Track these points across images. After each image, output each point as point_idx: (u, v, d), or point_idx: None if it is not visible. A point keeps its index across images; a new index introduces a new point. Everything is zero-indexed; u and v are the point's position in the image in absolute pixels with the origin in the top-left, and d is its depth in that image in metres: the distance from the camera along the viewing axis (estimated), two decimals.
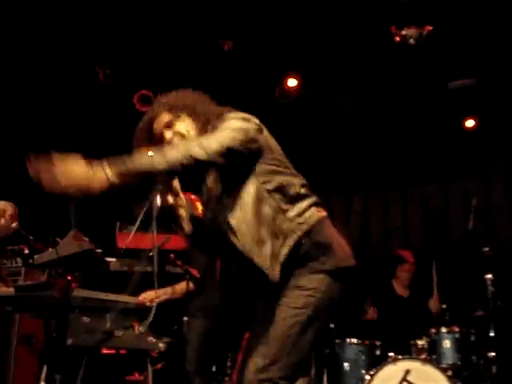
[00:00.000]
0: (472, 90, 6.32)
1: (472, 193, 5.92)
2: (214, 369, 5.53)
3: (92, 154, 7.62)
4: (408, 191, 6.95)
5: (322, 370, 5.02)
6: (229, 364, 5.62)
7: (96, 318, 4.18)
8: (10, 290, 4.26)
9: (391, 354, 4.82)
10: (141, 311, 4.35)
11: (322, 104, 6.74)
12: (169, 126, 2.72)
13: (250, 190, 2.58)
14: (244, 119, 2.64)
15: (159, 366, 4.84)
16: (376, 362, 4.86)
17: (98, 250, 4.40)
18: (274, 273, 2.55)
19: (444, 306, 5.16)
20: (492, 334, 4.77)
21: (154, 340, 4.29)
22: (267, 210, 2.56)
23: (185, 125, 2.71)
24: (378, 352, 5.01)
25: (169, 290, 4.75)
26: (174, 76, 6.64)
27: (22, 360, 4.86)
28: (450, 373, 4.58)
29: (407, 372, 4.55)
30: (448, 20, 5.59)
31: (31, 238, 4.41)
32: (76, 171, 2.44)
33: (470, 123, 6.58)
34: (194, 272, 4.43)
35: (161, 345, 4.30)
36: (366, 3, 5.59)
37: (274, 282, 2.56)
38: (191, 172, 2.54)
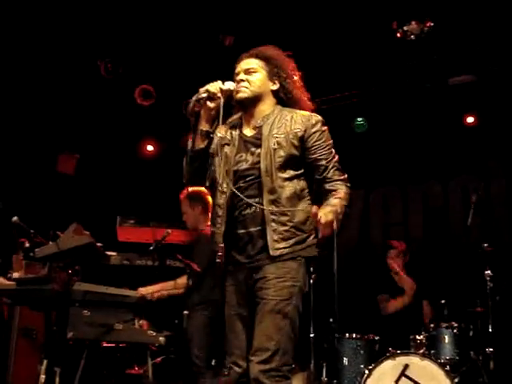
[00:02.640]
0: (472, 86, 6.32)
1: (471, 189, 5.92)
2: (213, 363, 5.56)
3: (93, 148, 7.67)
4: (408, 188, 6.96)
5: (321, 364, 5.04)
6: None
7: (96, 311, 4.20)
8: (8, 283, 4.27)
9: (390, 348, 4.83)
10: (141, 305, 4.37)
11: (323, 99, 6.73)
12: (249, 72, 2.99)
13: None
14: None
15: (159, 359, 4.86)
16: (375, 357, 4.87)
17: (99, 244, 4.42)
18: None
19: (443, 302, 5.18)
20: (490, 330, 4.79)
21: (153, 334, 4.31)
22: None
23: (257, 81, 2.97)
24: (376, 347, 5.03)
25: (170, 284, 4.76)
26: (175, 70, 6.65)
27: (22, 353, 4.88)
28: (448, 368, 4.58)
29: (406, 367, 4.57)
30: (448, 16, 5.59)
31: (32, 231, 4.42)
32: None
33: (469, 119, 6.58)
34: (195, 266, 4.43)
35: (161, 338, 4.33)
36: None
37: (265, 259, 2.84)
38: None
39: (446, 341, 4.88)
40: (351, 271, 6.46)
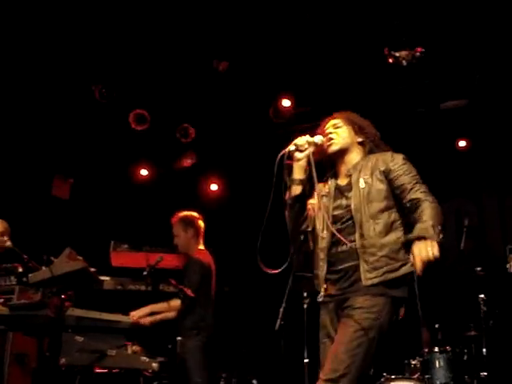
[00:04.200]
0: (464, 110, 6.38)
1: (464, 213, 5.95)
2: None
3: (87, 172, 7.66)
4: None
5: None
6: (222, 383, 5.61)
7: (89, 337, 4.18)
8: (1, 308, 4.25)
9: (384, 373, 4.81)
10: (134, 331, 4.36)
11: (316, 123, 6.78)
12: (335, 126, 3.36)
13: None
14: None
15: None
16: (370, 382, 4.84)
17: (92, 269, 4.41)
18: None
19: (436, 326, 5.17)
20: (484, 354, 4.79)
21: (147, 359, 4.29)
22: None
23: (343, 134, 3.34)
24: (371, 371, 4.99)
25: (162, 305, 4.76)
26: (169, 95, 6.70)
27: (14, 379, 4.83)
28: None
29: None
30: (439, 42, 5.66)
31: (25, 256, 4.41)
32: None
33: (461, 143, 6.64)
34: (188, 291, 4.43)
35: (154, 364, 4.30)
36: (359, 25, 5.65)
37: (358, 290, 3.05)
38: None
39: (441, 365, 4.86)
40: None
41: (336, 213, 3.23)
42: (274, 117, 6.66)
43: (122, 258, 5.17)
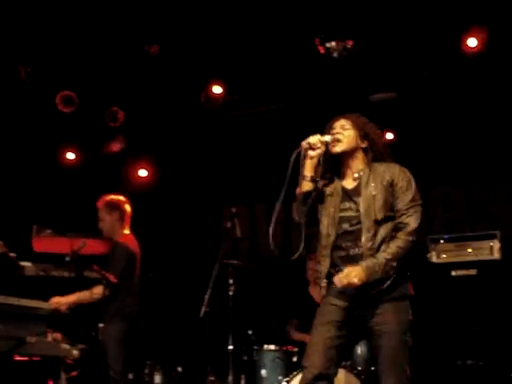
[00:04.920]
0: (391, 103, 6.51)
1: None
2: (130, 376, 5.47)
3: (9, 154, 7.40)
4: None
5: (240, 376, 5.04)
6: (147, 371, 5.57)
7: (8, 323, 4.06)
8: None
9: None
10: (55, 318, 4.26)
11: (247, 111, 6.80)
12: (343, 128, 3.43)
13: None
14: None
15: (74, 373, 4.74)
16: (293, 368, 4.92)
17: (13, 254, 4.29)
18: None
19: None
20: None
21: (67, 347, 4.21)
22: None
23: (349, 137, 3.43)
24: (294, 358, 5.07)
25: (85, 294, 4.67)
26: (99, 78, 6.56)
27: None
28: (363, 377, 4.71)
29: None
30: (370, 34, 5.76)
31: None
32: None
33: (389, 136, 6.77)
34: (111, 277, 4.38)
35: (75, 352, 4.23)
36: (292, 14, 5.67)
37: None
38: None
39: (362, 351, 4.98)
40: (271, 283, 6.53)
41: (343, 214, 3.36)
42: (205, 103, 6.62)
43: (45, 243, 5.04)
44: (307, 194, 3.39)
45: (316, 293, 5.72)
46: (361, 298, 3.27)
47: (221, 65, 6.38)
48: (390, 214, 3.31)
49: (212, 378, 5.31)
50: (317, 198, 3.44)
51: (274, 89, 6.50)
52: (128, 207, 4.99)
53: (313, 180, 3.40)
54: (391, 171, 3.38)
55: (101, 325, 4.41)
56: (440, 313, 5.40)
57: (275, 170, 7.01)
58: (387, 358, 3.23)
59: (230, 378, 4.89)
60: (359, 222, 3.30)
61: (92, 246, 4.70)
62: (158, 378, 5.40)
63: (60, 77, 6.51)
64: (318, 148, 3.37)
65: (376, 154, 3.47)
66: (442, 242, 5.31)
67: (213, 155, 7.24)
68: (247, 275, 5.37)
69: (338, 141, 3.40)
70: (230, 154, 7.23)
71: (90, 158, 7.27)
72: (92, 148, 7.19)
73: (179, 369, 5.63)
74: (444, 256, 5.30)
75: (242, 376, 5.02)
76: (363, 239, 3.26)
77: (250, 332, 5.23)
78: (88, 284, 4.72)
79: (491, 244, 5.20)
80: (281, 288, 6.46)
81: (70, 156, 7.34)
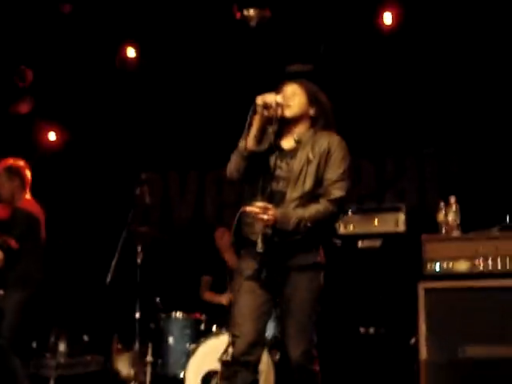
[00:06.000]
0: (308, 75, 6.53)
1: None
2: (34, 345, 5.35)
3: None
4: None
5: (147, 344, 5.01)
6: (52, 339, 5.46)
7: None
8: None
9: (214, 327, 4.93)
10: None
11: (162, 77, 6.68)
12: (294, 93, 3.41)
13: None
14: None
15: None
16: (201, 336, 4.95)
17: None
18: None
19: None
20: None
21: None
22: None
23: (299, 103, 3.40)
24: (202, 326, 5.10)
25: None
26: (6, 35, 6.27)
27: None
28: (269, 344, 4.77)
29: (229, 345, 4.67)
30: (287, 5, 5.76)
31: None
32: None
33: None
34: (12, 242, 4.27)
35: None
36: None
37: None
38: None
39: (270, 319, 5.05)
40: (182, 250, 6.52)
41: (276, 173, 3.34)
42: (118, 65, 6.46)
43: None
44: (252, 152, 3.32)
45: (231, 258, 5.75)
46: (275, 260, 3.28)
47: (136, 27, 6.24)
48: (320, 180, 3.34)
49: (119, 346, 5.27)
50: (256, 157, 3.37)
51: (189, 54, 6.41)
52: (28, 173, 4.88)
53: (259, 141, 3.34)
54: (331, 140, 3.40)
55: (1, 292, 4.29)
56: (345, 282, 5.55)
57: (190, 137, 7.00)
58: (296, 324, 3.29)
59: (137, 345, 4.88)
60: (289, 183, 3.32)
61: None
62: (62, 346, 5.31)
63: None
64: (272, 109, 3.27)
65: (323, 121, 3.47)
66: (349, 213, 5.42)
67: (127, 120, 7.08)
68: (157, 243, 5.33)
69: (289, 105, 3.37)
70: (146, 117, 7.07)
71: None
72: None
73: (85, 337, 5.56)
74: (351, 227, 5.41)
75: (149, 344, 4.99)
76: (287, 198, 3.28)
77: (157, 299, 5.20)
78: None
79: (397, 216, 5.35)
80: (191, 256, 6.45)
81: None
